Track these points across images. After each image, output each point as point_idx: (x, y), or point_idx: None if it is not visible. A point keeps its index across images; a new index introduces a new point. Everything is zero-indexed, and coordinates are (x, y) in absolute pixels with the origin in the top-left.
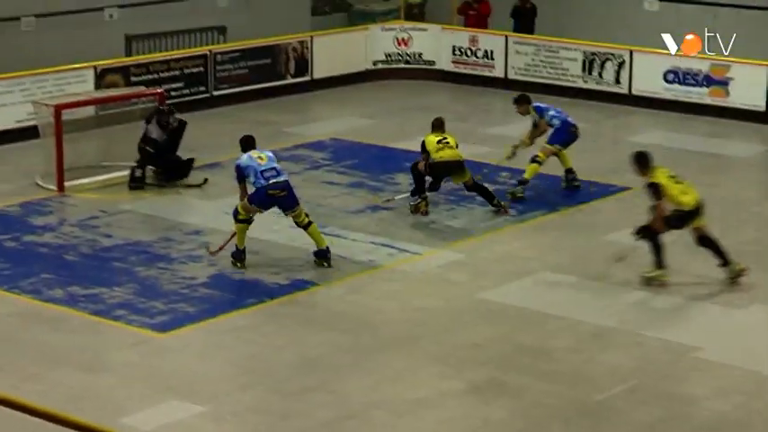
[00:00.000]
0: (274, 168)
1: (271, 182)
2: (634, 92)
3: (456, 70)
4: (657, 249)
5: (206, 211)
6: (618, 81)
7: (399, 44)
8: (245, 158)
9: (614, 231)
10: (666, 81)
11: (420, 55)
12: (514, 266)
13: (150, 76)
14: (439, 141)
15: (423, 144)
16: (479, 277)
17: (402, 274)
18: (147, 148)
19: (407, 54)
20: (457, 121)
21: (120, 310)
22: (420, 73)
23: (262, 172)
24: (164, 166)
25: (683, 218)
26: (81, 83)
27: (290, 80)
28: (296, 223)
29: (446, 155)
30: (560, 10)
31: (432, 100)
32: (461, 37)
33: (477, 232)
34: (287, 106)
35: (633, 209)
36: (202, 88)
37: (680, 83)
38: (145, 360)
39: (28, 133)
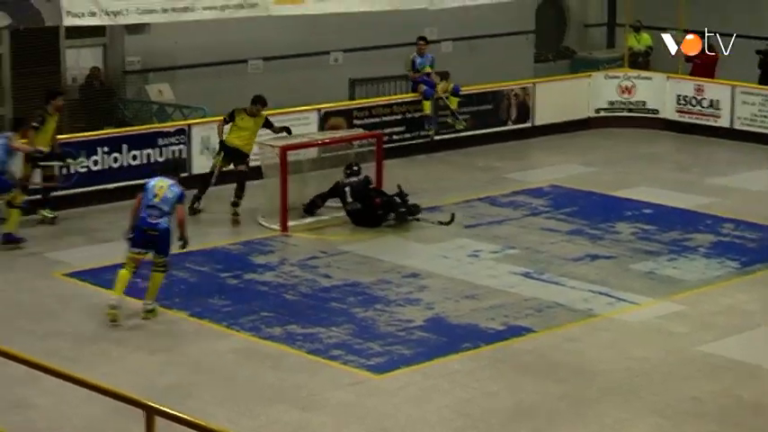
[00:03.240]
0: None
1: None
2: None
3: (680, 119)
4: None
5: (424, 254)
6: None
7: (623, 92)
8: (152, 182)
9: None
10: None
11: (643, 103)
12: (737, 319)
13: (372, 120)
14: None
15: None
16: (701, 329)
17: (620, 323)
18: (351, 209)
19: (631, 102)
20: (679, 171)
21: (337, 350)
22: (643, 121)
23: (148, 206)
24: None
25: None
26: (305, 125)
27: (512, 126)
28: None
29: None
30: None
31: (654, 149)
32: (686, 86)
33: (699, 283)
34: (507, 152)
35: None
36: (424, 132)
37: None
38: (360, 401)
39: (251, 174)
